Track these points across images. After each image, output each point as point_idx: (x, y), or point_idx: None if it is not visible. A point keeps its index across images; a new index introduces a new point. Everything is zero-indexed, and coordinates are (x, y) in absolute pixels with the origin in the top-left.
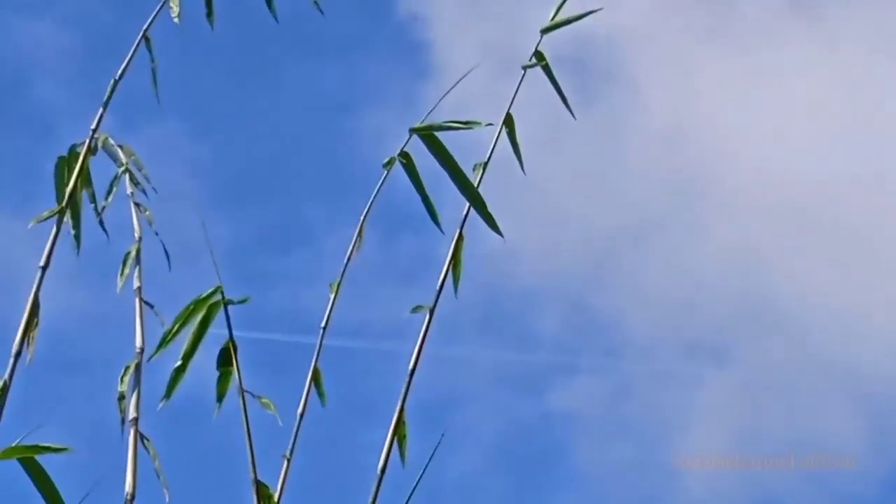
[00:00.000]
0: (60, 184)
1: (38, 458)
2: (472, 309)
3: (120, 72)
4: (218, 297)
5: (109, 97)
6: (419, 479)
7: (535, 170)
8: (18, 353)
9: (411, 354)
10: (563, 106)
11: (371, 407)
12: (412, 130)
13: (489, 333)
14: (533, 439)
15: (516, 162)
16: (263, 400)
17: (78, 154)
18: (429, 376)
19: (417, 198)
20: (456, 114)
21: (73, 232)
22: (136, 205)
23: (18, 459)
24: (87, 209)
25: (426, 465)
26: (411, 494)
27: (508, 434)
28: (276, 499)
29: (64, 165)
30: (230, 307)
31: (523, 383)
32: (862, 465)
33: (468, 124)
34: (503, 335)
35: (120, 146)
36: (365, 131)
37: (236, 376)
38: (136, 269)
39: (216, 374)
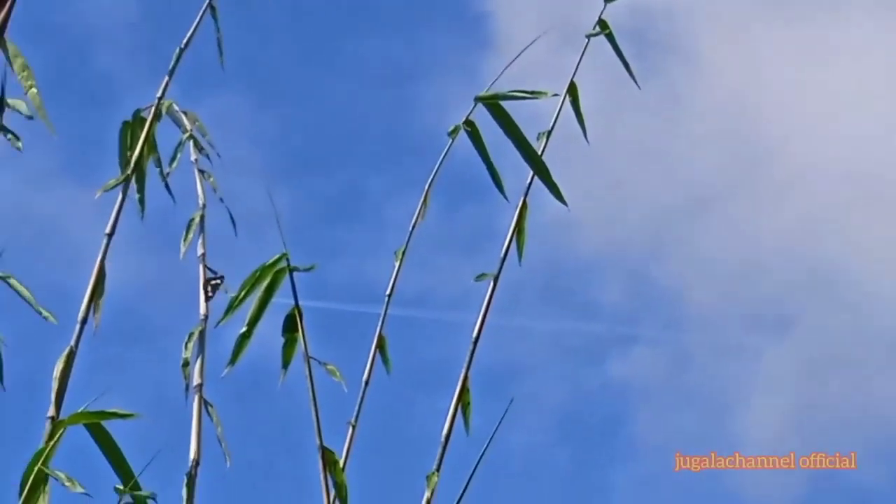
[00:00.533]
0: (124, 149)
1: (104, 424)
2: (534, 279)
3: (185, 40)
4: (284, 263)
5: (175, 64)
6: (487, 446)
7: (596, 140)
8: (84, 321)
9: (474, 324)
10: (623, 76)
11: (433, 376)
12: (477, 99)
13: (550, 303)
14: (594, 409)
15: (577, 132)
16: (329, 366)
17: (142, 119)
18: (491, 346)
19: (478, 168)
20: (516, 84)
21: (137, 196)
22: (201, 171)
23: (85, 425)
24: (151, 176)
25: (495, 431)
26: (479, 461)
27: (570, 404)
28: (342, 465)
29: (127, 131)
30: (295, 275)
31: (584, 353)
32: None
33: (534, 94)
34: (564, 305)
35: (184, 112)
36: (426, 102)
37: (302, 343)
38: (200, 236)
39: (280, 342)
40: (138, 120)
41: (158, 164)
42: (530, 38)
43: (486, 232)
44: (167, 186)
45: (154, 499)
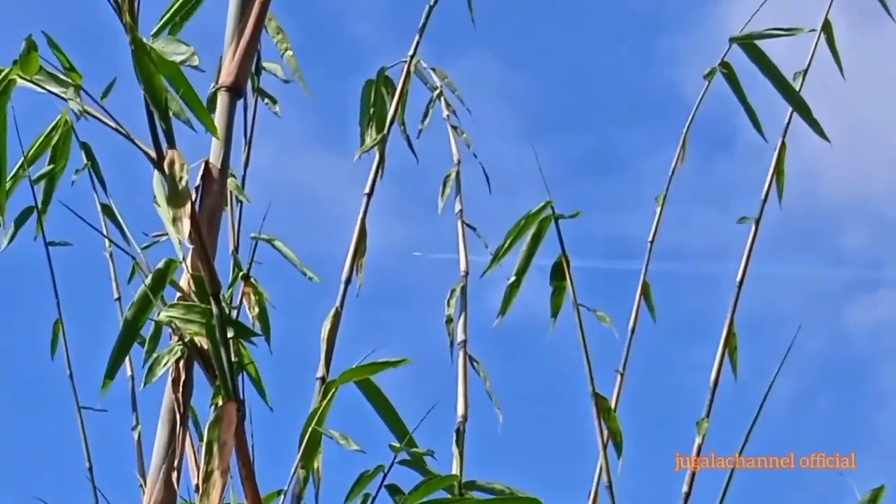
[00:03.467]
0: (366, 107)
1: (375, 381)
2: (782, 226)
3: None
4: (549, 211)
5: (425, 23)
6: (768, 392)
7: (840, 81)
8: (348, 281)
9: (730, 272)
10: (872, 11)
11: (693, 328)
12: (732, 40)
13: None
14: (849, 356)
15: (822, 73)
16: (599, 313)
17: (387, 78)
18: (746, 293)
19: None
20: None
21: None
22: (454, 128)
23: (357, 383)
24: (394, 135)
25: (774, 377)
26: (759, 410)
27: (826, 351)
28: (614, 410)
29: (370, 89)
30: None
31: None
32: None
33: (790, 31)
34: (812, 252)
35: (433, 69)
36: (660, 54)
37: (570, 291)
38: (457, 193)
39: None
40: (382, 78)
41: (402, 123)
42: None
43: (733, 183)
44: (410, 145)
45: (433, 455)
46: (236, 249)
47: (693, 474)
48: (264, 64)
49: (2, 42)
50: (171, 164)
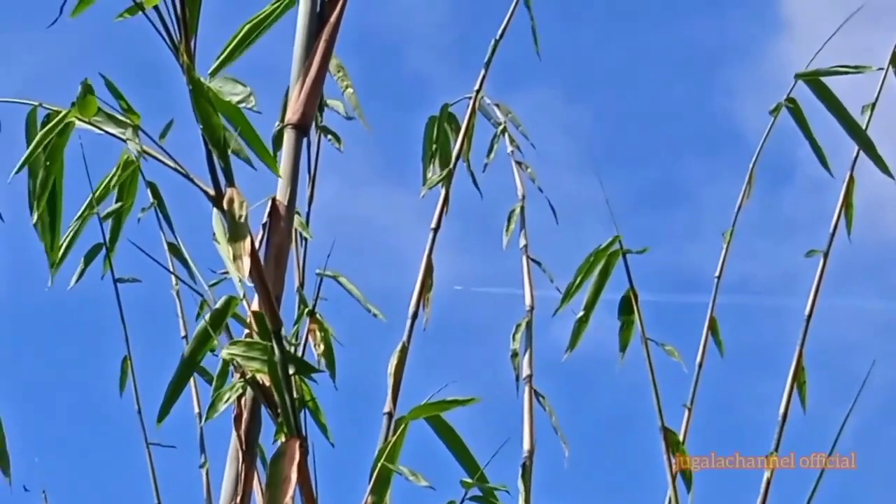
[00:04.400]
0: (429, 144)
1: (444, 417)
2: (848, 258)
3: (500, 30)
4: (616, 247)
5: (491, 56)
6: (842, 428)
7: None
8: (415, 315)
9: (799, 304)
10: None
11: (759, 360)
12: (798, 76)
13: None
14: None
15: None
16: (667, 347)
17: (450, 114)
18: (816, 325)
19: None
20: (808, 65)
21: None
22: (518, 163)
23: (426, 419)
24: (459, 171)
25: (848, 413)
26: (835, 444)
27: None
28: (683, 444)
29: (433, 126)
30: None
31: None
32: None
33: (857, 68)
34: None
35: (496, 104)
36: (723, 87)
37: (639, 325)
38: (522, 228)
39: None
40: (445, 114)
41: (467, 159)
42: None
43: (788, 215)
44: (474, 180)
45: (507, 490)
46: (301, 286)
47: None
48: (326, 101)
49: (60, 79)
50: (231, 201)
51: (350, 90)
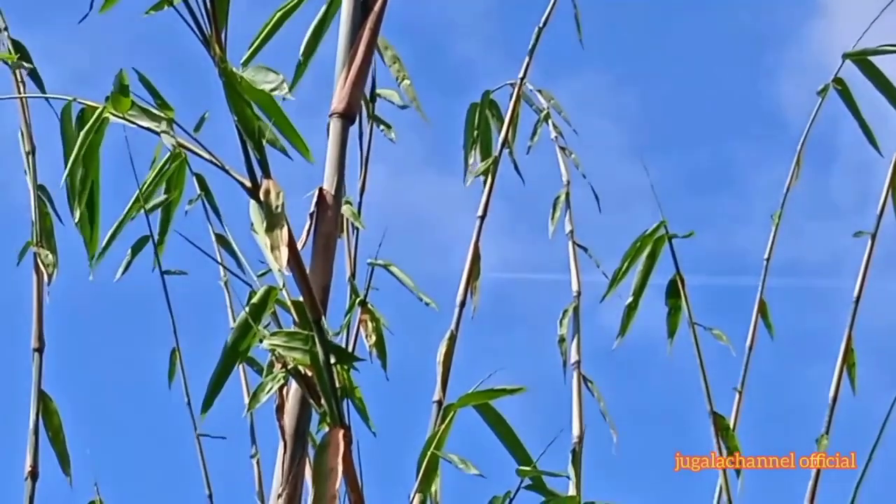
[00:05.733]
0: (470, 130)
1: (493, 405)
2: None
3: (544, 18)
4: (662, 232)
5: (535, 43)
6: (890, 411)
7: None
8: (463, 303)
9: (847, 286)
10: None
11: (808, 343)
12: (845, 56)
13: None
14: None
15: None
16: (715, 332)
17: (492, 101)
18: (865, 308)
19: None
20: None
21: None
22: (562, 149)
23: (475, 406)
24: (505, 158)
25: None
26: (882, 427)
27: None
28: (733, 429)
29: (475, 112)
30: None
31: None
32: None
33: None
34: None
35: (539, 91)
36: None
37: (686, 310)
38: (567, 213)
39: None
40: (486, 102)
41: (510, 146)
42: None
43: (835, 197)
44: (517, 168)
45: (567, 476)
46: (353, 275)
47: (814, 492)
48: (379, 91)
49: (94, 74)
50: (267, 192)
51: (407, 82)
